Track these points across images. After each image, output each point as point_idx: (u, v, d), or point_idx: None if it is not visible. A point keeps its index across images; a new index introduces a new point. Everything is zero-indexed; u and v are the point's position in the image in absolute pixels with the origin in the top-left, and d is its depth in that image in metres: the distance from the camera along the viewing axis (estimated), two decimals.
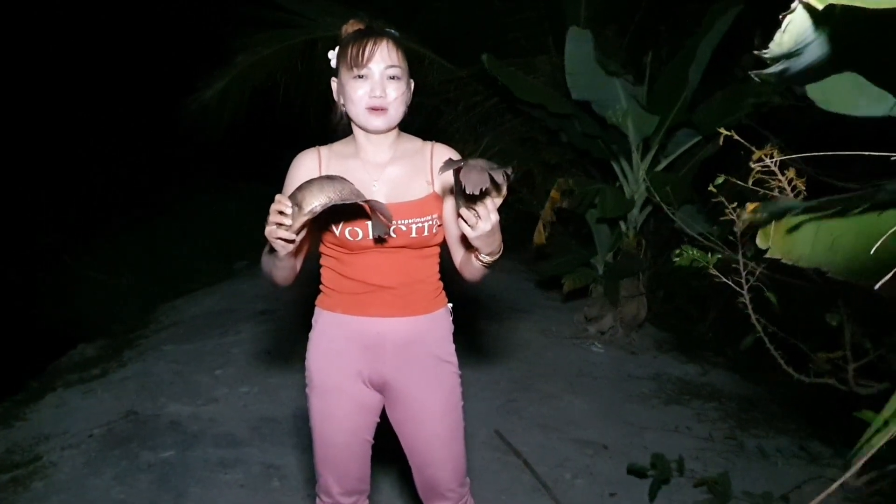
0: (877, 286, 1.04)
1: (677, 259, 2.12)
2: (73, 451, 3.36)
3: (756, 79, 0.95)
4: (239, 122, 6.27)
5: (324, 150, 1.90)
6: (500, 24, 5.58)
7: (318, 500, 2.04)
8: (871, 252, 1.62)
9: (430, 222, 1.83)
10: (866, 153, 1.29)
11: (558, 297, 5.30)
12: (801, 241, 1.72)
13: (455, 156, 1.86)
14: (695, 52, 4.22)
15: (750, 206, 1.67)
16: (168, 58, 10.15)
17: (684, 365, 4.67)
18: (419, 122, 7.19)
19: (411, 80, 1.86)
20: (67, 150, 10.20)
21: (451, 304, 1.98)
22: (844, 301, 1.99)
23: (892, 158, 1.44)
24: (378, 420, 1.99)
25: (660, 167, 4.80)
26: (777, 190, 1.69)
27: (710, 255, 2.09)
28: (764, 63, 0.91)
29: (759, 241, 1.75)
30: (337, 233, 1.80)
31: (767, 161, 1.61)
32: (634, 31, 5.21)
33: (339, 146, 1.90)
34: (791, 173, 1.67)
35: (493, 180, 1.47)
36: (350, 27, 1.86)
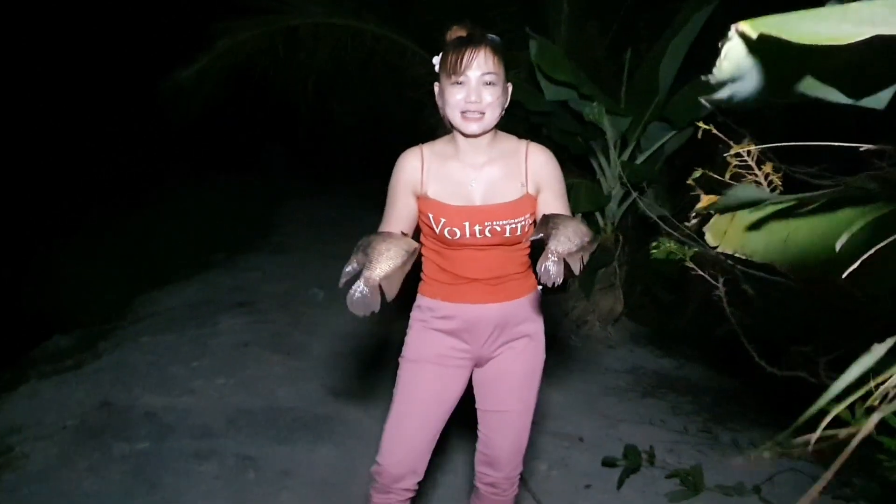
0: (844, 275, 1.05)
1: (654, 252, 2.12)
2: (46, 442, 3.33)
3: (706, 104, 0.96)
4: (217, 112, 6.24)
5: (426, 149, 2.02)
6: (484, 18, 5.57)
7: (372, 489, 2.13)
8: (829, 248, 1.64)
9: (523, 222, 1.97)
10: (835, 143, 1.31)
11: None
12: (754, 237, 1.73)
13: (549, 159, 2.01)
14: (671, 49, 4.24)
15: (704, 200, 1.68)
16: (146, 47, 10.04)
17: (660, 359, 4.71)
18: (404, 113, 7.21)
19: (508, 84, 1.97)
20: (42, 142, 10.08)
21: (540, 287, 2.09)
22: (820, 294, 2.01)
23: (862, 149, 1.46)
24: (455, 405, 2.13)
25: (637, 162, 4.82)
26: (754, 184, 1.70)
27: (686, 247, 2.09)
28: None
29: (709, 237, 1.75)
30: (437, 230, 1.96)
31: (744, 155, 1.62)
32: (616, 28, 5.22)
33: (440, 145, 2.02)
34: (767, 168, 1.67)
35: (579, 250, 1.65)
36: (453, 33, 1.96)
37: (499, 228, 1.95)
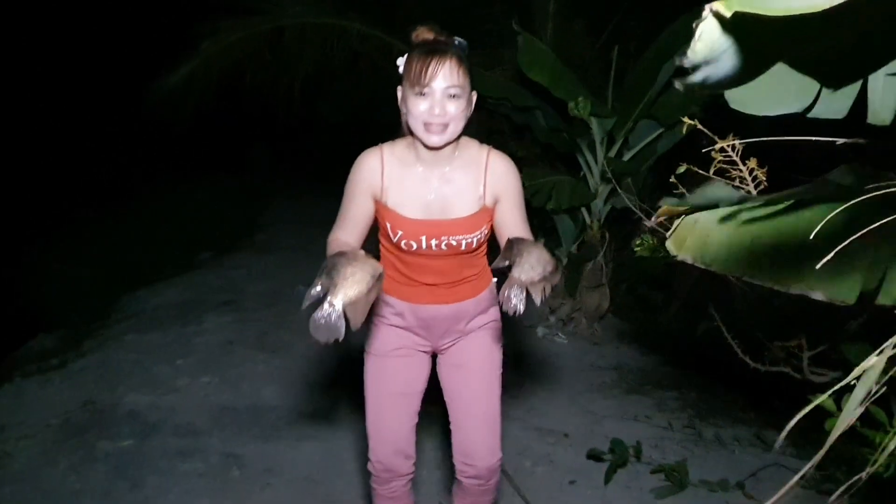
0: (819, 265, 1.05)
1: (638, 248, 2.14)
2: (29, 441, 3.31)
3: (680, 87, 0.96)
4: (204, 112, 6.21)
5: (386, 151, 1.99)
6: (470, 16, 5.58)
7: (373, 483, 2.21)
8: (798, 247, 1.65)
9: (479, 235, 2.00)
10: (811, 138, 1.32)
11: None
12: (716, 244, 1.71)
13: (509, 169, 1.99)
14: (668, 50, 4.25)
15: (665, 208, 1.68)
16: (132, 45, 9.99)
17: (646, 356, 4.73)
18: (390, 111, 7.19)
19: (474, 93, 1.93)
20: (26, 140, 10.00)
21: (495, 280, 2.14)
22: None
23: (838, 144, 1.47)
24: (425, 385, 2.19)
25: (624, 160, 4.83)
26: (738, 180, 1.71)
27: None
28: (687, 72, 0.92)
29: (671, 246, 1.74)
30: (394, 240, 1.98)
31: (728, 150, 1.62)
32: (602, 26, 5.24)
33: (401, 148, 1.99)
34: (752, 163, 1.68)
35: (542, 280, 1.64)
36: (419, 35, 1.93)
37: (454, 243, 1.97)
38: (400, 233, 1.96)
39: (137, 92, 6.17)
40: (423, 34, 1.92)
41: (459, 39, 1.93)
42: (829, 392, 1.38)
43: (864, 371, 1.33)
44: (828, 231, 1.62)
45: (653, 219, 1.73)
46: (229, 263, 6.52)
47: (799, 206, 1.59)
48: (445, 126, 1.86)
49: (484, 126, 5.53)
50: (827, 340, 2.19)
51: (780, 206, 1.62)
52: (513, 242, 1.72)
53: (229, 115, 10.35)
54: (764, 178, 1.79)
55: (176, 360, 4.22)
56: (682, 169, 2.28)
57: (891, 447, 2.07)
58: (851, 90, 1.26)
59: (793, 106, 1.27)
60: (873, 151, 1.44)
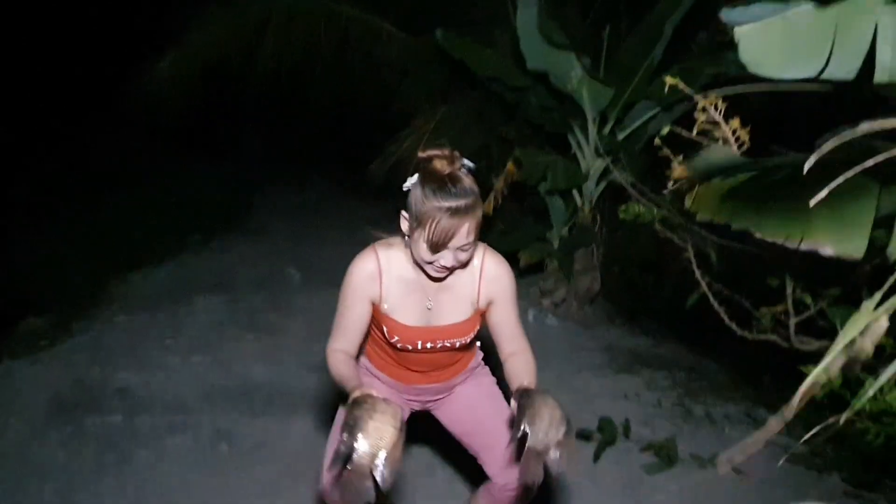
0: (812, 202, 1.05)
1: (623, 213, 2.14)
2: (18, 418, 3.29)
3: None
4: (193, 98, 6.18)
5: (382, 255, 1.95)
6: None
7: None
8: (802, 210, 1.66)
9: (474, 334, 2.03)
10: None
11: (514, 271, 5.30)
12: (729, 204, 1.74)
13: (503, 273, 1.99)
14: (660, 28, 4.24)
15: (679, 165, 1.69)
16: (120, 31, 9.91)
17: (636, 337, 4.74)
18: (379, 95, 7.17)
19: (480, 211, 1.82)
20: (14, 125, 9.91)
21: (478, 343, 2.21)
22: (786, 260, 2.03)
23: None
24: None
25: (618, 140, 4.82)
26: (721, 141, 1.71)
27: (655, 210, 2.10)
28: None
29: (689, 204, 1.76)
30: (389, 341, 1.99)
31: (711, 111, 1.63)
32: (594, 4, 5.22)
33: (396, 255, 1.95)
34: (735, 123, 1.69)
35: (557, 445, 1.66)
36: (431, 162, 1.80)
37: (449, 344, 2.01)
38: (396, 338, 1.98)
39: (124, 77, 6.13)
40: (438, 166, 1.79)
41: (468, 163, 1.84)
42: (822, 364, 1.39)
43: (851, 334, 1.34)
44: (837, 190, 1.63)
45: (669, 184, 1.74)
46: (219, 247, 6.50)
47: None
48: (454, 268, 1.87)
49: (475, 107, 5.53)
50: (814, 307, 2.19)
51: (786, 172, 1.63)
52: (523, 405, 1.72)
53: (220, 103, 10.31)
54: (747, 139, 1.80)
55: (166, 341, 4.21)
56: (665, 130, 2.29)
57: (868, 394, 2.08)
58: (861, 50, 1.27)
59: (806, 68, 1.28)
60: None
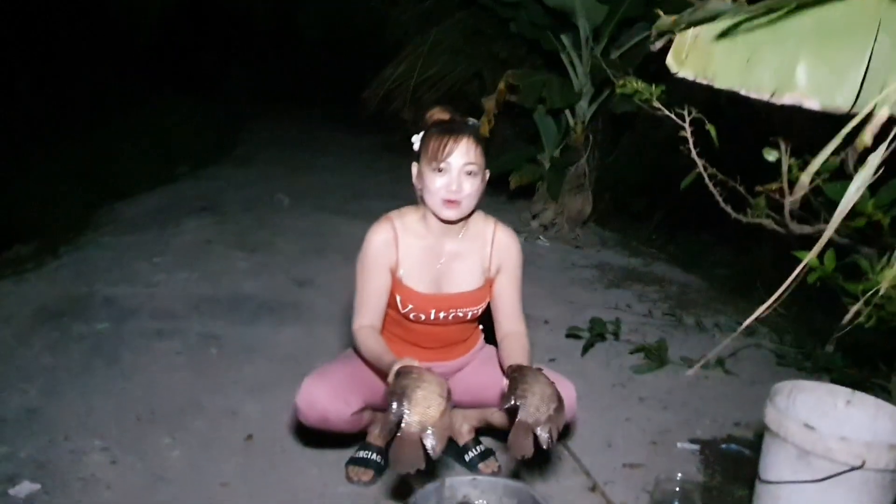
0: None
1: (620, 88, 2.08)
2: (2, 325, 3.25)
3: None
4: (176, 33, 6.04)
5: (397, 222, 2.04)
6: None
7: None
8: (793, 59, 1.61)
9: (484, 305, 2.10)
10: None
11: (504, 195, 5.27)
12: (716, 59, 1.69)
13: (513, 243, 2.10)
14: None
15: (666, 17, 1.63)
16: None
17: (628, 258, 4.72)
18: (370, 23, 7.03)
19: (486, 171, 1.99)
20: None
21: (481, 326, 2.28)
22: (784, 133, 1.98)
23: None
24: None
25: (612, 59, 4.74)
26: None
27: (654, 87, 2.04)
28: None
29: (671, 62, 1.71)
30: (402, 310, 2.04)
31: None
32: None
33: (411, 219, 2.05)
34: None
35: (548, 420, 1.70)
36: (434, 116, 2.01)
37: (461, 314, 2.07)
38: (410, 306, 2.03)
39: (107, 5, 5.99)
40: (438, 115, 2.01)
41: (473, 120, 2.01)
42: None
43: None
44: (827, 32, 1.57)
45: (653, 40, 1.68)
46: (207, 175, 6.44)
47: (798, 10, 1.55)
48: (460, 202, 1.93)
49: (469, 25, 5.42)
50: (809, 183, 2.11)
51: (781, 13, 1.57)
52: (516, 379, 1.75)
53: (205, 38, 10.12)
54: None
55: (153, 258, 4.16)
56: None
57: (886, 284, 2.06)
58: None
59: None
60: None
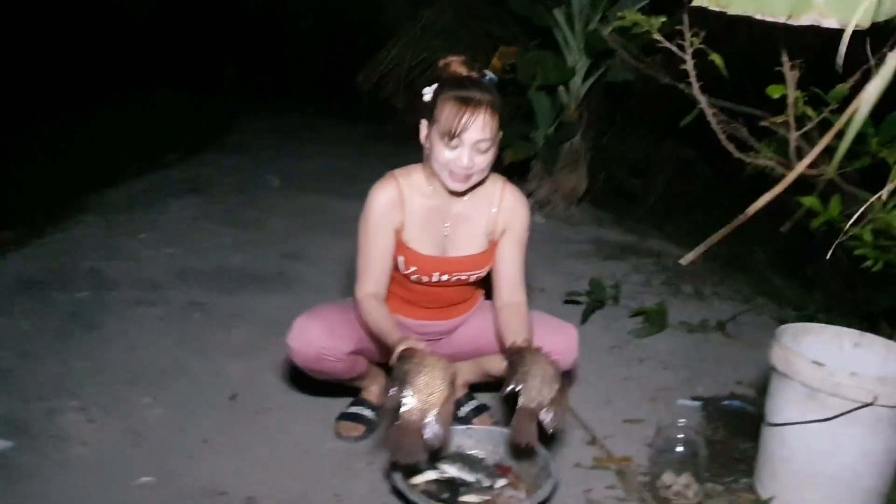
0: None
1: (619, 20, 1.99)
2: None
3: None
4: (172, 28, 5.95)
5: (402, 180, 1.92)
6: None
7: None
8: None
9: (487, 269, 2.00)
10: None
11: (498, 172, 5.18)
12: None
13: (521, 205, 2.00)
14: None
15: None
16: None
17: (623, 235, 4.64)
18: (362, 11, 6.96)
19: (500, 133, 1.85)
20: None
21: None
22: (790, 61, 1.89)
23: None
24: None
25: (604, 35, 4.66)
26: None
27: (652, 18, 1.95)
28: None
29: None
30: (404, 271, 1.95)
31: None
32: None
33: (416, 177, 1.94)
34: None
35: (551, 403, 1.64)
36: (450, 68, 1.87)
37: (464, 277, 1.99)
38: (413, 268, 1.94)
39: None
40: (456, 67, 1.86)
41: (490, 75, 1.88)
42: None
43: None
44: None
45: None
46: (197, 161, 6.31)
47: None
48: (471, 176, 1.83)
49: (462, 5, 5.35)
50: (817, 116, 2.03)
51: None
52: (515, 363, 1.69)
53: (202, 34, 10.02)
54: None
55: (139, 235, 4.05)
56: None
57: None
58: None
59: None
60: None
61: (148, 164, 6.42)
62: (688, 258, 1.36)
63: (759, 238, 3.81)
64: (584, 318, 3.03)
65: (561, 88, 4.83)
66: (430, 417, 1.54)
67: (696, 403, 2.42)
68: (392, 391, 1.55)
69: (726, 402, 2.44)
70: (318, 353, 1.91)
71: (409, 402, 1.54)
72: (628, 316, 3.10)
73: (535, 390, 1.63)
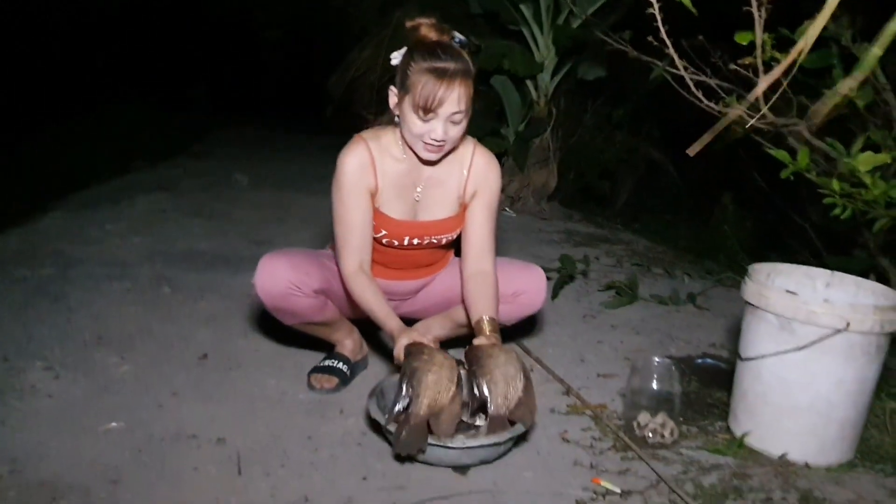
0: None
1: None
2: None
3: None
4: (139, 47, 5.92)
5: (372, 143, 1.88)
6: None
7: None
8: None
9: (458, 232, 2.00)
10: None
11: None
12: None
13: (491, 167, 1.98)
14: None
15: None
16: None
17: (594, 229, 4.67)
18: (329, 19, 6.98)
19: (472, 106, 1.81)
20: None
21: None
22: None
23: None
24: None
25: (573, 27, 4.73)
26: None
27: None
28: None
29: None
30: (375, 236, 1.93)
31: None
32: None
33: (386, 140, 1.90)
34: None
35: (518, 404, 1.67)
36: (421, 32, 1.78)
37: (435, 241, 1.98)
38: (384, 232, 1.92)
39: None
40: (425, 32, 1.78)
41: (460, 37, 1.81)
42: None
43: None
44: None
45: None
46: (165, 165, 6.25)
47: None
48: (444, 146, 1.80)
49: (430, 4, 5.39)
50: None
51: None
52: (475, 372, 1.70)
53: (169, 53, 9.97)
54: None
55: (106, 226, 3.98)
56: None
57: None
58: None
59: None
60: None
61: (118, 170, 6.36)
62: (694, 148, 1.36)
63: (729, 225, 3.88)
64: (555, 293, 3.03)
65: (530, 84, 4.89)
66: (439, 415, 1.60)
67: (670, 361, 2.42)
68: (403, 388, 1.60)
69: (699, 360, 2.45)
70: (285, 287, 1.88)
71: (419, 400, 1.58)
72: (599, 290, 3.10)
73: (501, 397, 1.65)
